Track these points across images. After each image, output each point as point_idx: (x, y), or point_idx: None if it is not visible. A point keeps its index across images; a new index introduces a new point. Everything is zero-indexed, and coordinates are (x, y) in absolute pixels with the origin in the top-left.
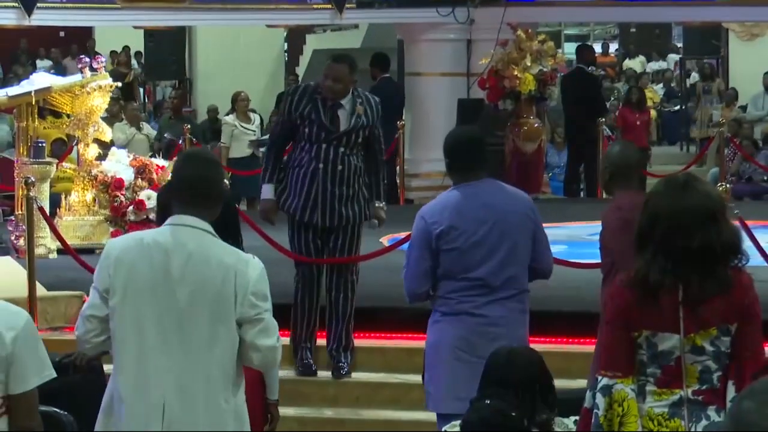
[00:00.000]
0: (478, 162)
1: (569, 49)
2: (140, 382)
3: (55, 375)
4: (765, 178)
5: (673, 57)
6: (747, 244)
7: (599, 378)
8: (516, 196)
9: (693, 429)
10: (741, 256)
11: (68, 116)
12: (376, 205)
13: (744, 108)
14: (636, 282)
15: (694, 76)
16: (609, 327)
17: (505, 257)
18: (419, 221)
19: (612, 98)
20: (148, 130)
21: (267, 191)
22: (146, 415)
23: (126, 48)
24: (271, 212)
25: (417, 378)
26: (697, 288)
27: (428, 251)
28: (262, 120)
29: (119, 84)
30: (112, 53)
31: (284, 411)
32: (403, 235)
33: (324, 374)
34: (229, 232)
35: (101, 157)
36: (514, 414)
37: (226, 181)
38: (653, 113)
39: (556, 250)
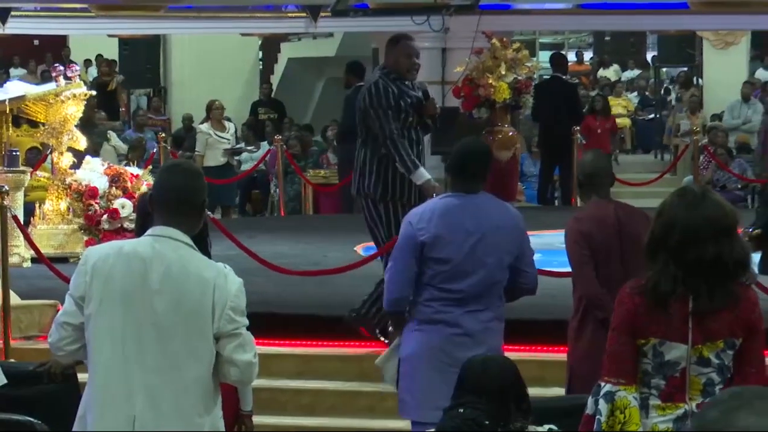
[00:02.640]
0: (481, 176)
1: (544, 57)
2: (111, 393)
3: (5, 381)
4: (739, 186)
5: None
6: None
7: (602, 384)
8: (507, 211)
9: None
10: (750, 273)
11: (43, 125)
12: None
13: (717, 116)
14: (646, 290)
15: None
16: (615, 333)
17: (488, 272)
18: (406, 226)
19: (587, 106)
20: (116, 141)
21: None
22: (115, 425)
23: (100, 56)
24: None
25: (391, 387)
26: (706, 300)
27: (414, 258)
28: (236, 128)
29: (93, 92)
30: (87, 62)
31: (260, 420)
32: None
33: (299, 383)
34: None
35: (75, 166)
36: (487, 422)
37: None
38: (627, 121)
39: None
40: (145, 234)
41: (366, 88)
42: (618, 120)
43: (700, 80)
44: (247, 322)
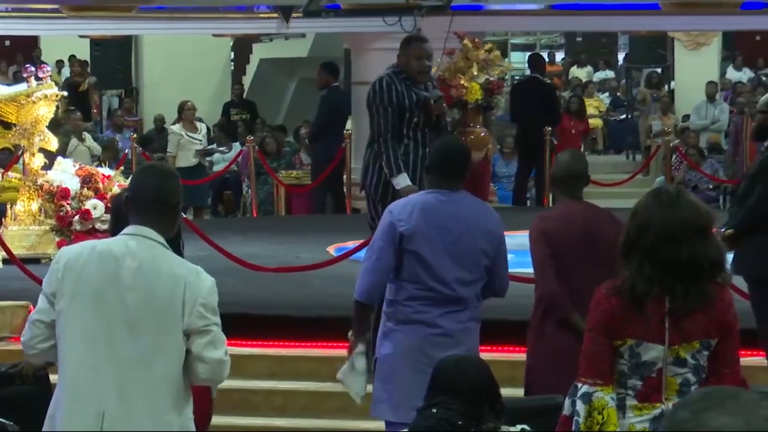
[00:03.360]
0: (462, 174)
1: (516, 58)
2: (81, 389)
3: None
4: (711, 186)
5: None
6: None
7: (579, 385)
8: (487, 212)
9: None
10: (724, 273)
11: (14, 126)
12: None
13: (688, 117)
14: (623, 290)
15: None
16: (591, 334)
17: (465, 271)
18: (386, 215)
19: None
20: (91, 142)
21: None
22: (84, 422)
23: (73, 57)
24: None
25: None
26: (681, 300)
27: (392, 248)
28: (209, 129)
29: (65, 93)
30: (59, 62)
31: (232, 420)
32: (350, 244)
33: (272, 383)
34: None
35: (47, 167)
36: (460, 422)
37: None
38: (599, 122)
39: None
40: (121, 233)
41: (371, 85)
42: (590, 121)
43: (672, 83)
44: (218, 321)
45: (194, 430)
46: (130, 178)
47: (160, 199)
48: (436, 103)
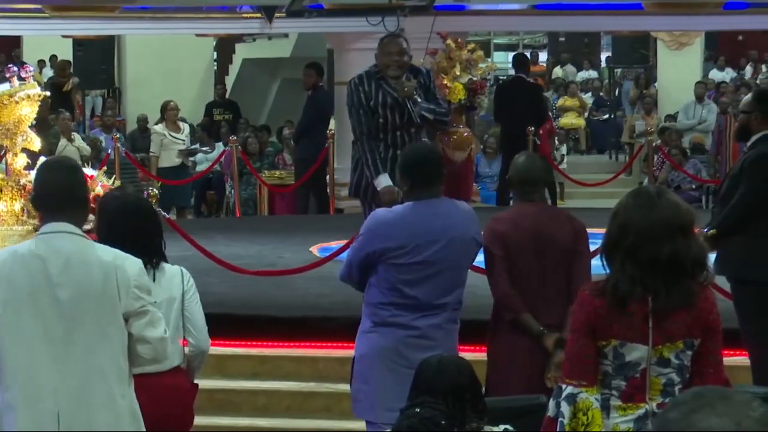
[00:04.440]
0: (438, 179)
1: (498, 58)
2: (31, 392)
3: None
4: (693, 186)
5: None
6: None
7: (563, 386)
8: (468, 217)
9: None
10: (707, 272)
11: None
12: None
13: (671, 117)
14: (606, 291)
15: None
16: (575, 336)
17: (444, 280)
18: (369, 226)
19: None
20: (80, 142)
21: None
22: (40, 423)
23: (55, 57)
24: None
25: (348, 387)
26: (663, 299)
27: (363, 255)
28: (192, 129)
29: (48, 93)
30: (41, 62)
31: (215, 420)
32: (333, 244)
33: (254, 383)
34: (149, 239)
35: (30, 167)
36: (443, 422)
37: (155, 190)
38: (581, 122)
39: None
40: (38, 233)
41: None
42: (573, 121)
43: (655, 83)
44: (153, 300)
45: (138, 410)
46: (33, 176)
47: (68, 194)
48: (397, 84)
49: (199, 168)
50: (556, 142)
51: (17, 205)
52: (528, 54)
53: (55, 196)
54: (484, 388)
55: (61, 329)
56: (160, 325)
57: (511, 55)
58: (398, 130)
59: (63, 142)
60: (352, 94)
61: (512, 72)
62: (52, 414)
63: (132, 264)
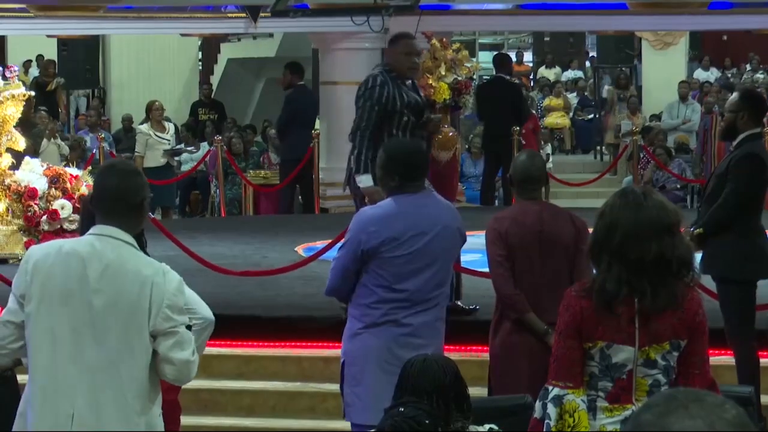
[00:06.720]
0: (424, 174)
1: (483, 57)
2: (50, 391)
3: None
4: (678, 186)
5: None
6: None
7: (550, 388)
8: (450, 210)
9: None
10: (693, 273)
11: None
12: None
13: (656, 116)
14: (593, 292)
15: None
16: (561, 337)
17: (435, 272)
18: (359, 225)
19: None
20: (59, 141)
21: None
22: (54, 424)
23: (41, 57)
24: None
25: (333, 387)
26: (650, 299)
27: (356, 257)
28: (177, 129)
29: (32, 93)
30: (26, 62)
31: (200, 420)
32: (318, 244)
33: (239, 383)
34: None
35: (14, 167)
36: (428, 422)
37: None
38: (566, 122)
39: (470, 258)
40: (88, 233)
41: (364, 80)
42: (558, 120)
43: (638, 82)
44: (185, 320)
45: (163, 428)
46: (93, 178)
47: (122, 198)
48: (431, 123)
49: (184, 168)
50: (542, 142)
51: (2, 205)
52: (513, 54)
53: (110, 198)
54: (487, 387)
55: (88, 335)
56: (189, 347)
57: (493, 55)
58: (415, 131)
59: (44, 141)
60: (374, 89)
61: (494, 72)
62: (67, 417)
63: (170, 282)
